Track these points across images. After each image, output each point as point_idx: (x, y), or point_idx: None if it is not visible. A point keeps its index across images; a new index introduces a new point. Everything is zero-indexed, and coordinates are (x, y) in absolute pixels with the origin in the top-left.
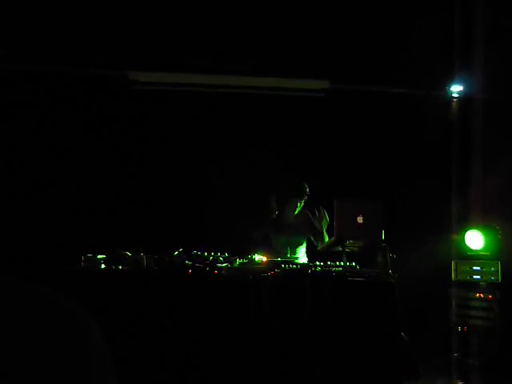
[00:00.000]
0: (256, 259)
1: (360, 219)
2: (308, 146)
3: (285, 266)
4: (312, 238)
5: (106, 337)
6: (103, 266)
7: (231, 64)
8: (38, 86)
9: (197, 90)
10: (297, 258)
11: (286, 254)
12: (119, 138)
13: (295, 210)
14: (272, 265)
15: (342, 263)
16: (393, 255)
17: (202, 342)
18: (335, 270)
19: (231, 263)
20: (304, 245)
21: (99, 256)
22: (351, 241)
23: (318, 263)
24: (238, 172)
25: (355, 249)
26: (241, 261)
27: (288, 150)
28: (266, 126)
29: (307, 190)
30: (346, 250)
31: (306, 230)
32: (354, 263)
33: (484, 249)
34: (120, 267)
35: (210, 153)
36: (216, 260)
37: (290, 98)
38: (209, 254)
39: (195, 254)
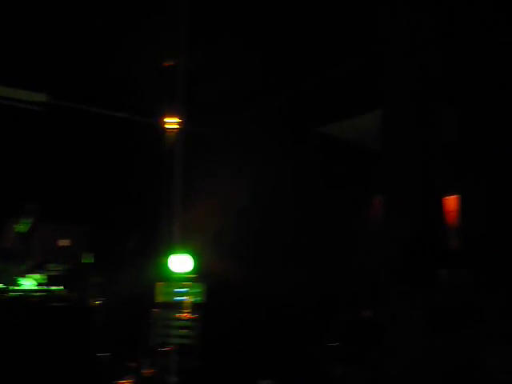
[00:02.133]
0: None
1: (63, 242)
2: (17, 163)
3: None
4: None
5: None
6: None
7: None
8: None
9: None
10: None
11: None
12: None
13: (12, 234)
14: None
15: (45, 287)
16: (99, 278)
17: None
18: (34, 295)
19: None
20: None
21: None
22: (54, 264)
23: (15, 288)
24: None
25: (57, 272)
26: None
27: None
28: None
29: (30, 213)
30: (50, 273)
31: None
32: (57, 286)
33: (188, 271)
34: None
35: None
36: None
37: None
38: None
39: None
